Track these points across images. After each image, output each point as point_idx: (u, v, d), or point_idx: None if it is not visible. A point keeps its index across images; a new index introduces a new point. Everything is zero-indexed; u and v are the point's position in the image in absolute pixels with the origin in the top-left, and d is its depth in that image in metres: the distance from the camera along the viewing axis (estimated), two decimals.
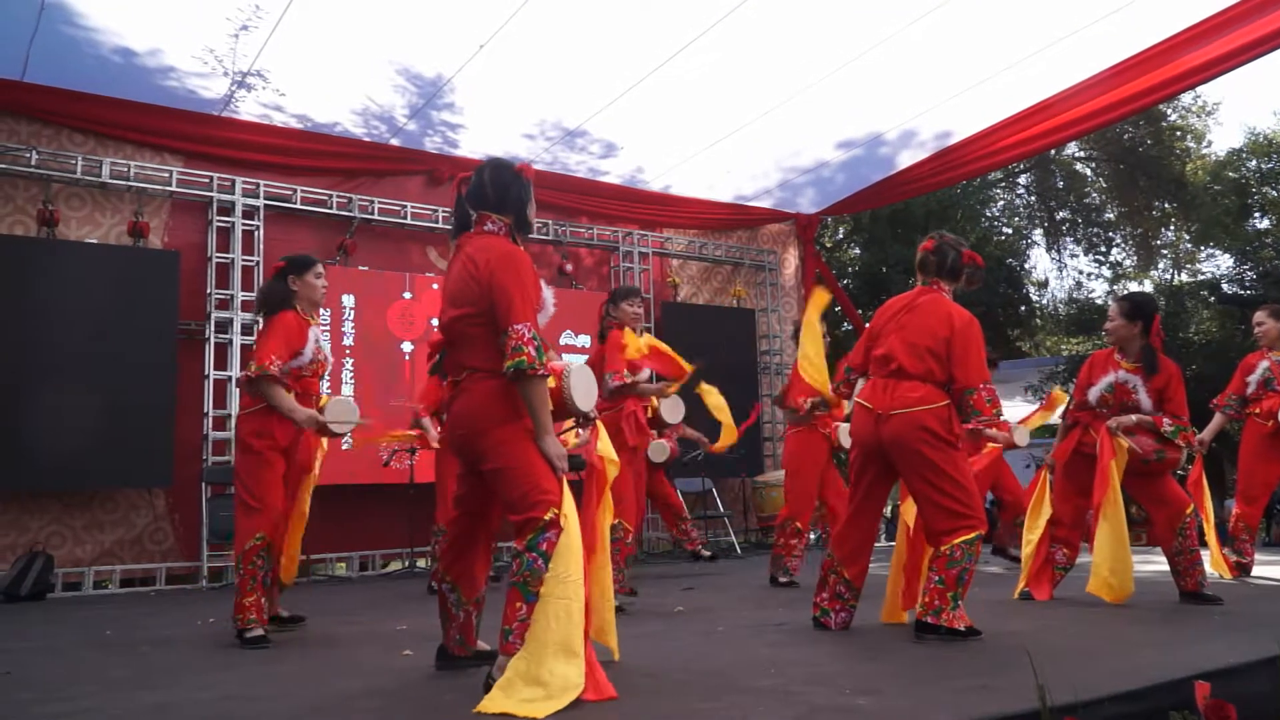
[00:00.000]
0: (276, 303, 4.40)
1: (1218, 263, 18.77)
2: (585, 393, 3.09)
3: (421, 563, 8.08)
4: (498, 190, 3.07)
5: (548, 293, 3.04)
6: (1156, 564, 6.85)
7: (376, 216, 8.82)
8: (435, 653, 3.23)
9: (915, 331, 3.80)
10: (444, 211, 9.10)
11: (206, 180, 8.07)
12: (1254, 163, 17.24)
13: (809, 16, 7.01)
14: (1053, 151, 17.27)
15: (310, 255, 4.59)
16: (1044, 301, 20.71)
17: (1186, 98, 17.54)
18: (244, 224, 8.15)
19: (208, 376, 7.81)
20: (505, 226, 3.04)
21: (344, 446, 7.73)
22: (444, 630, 3.21)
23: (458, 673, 3.09)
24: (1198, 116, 18.53)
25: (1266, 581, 5.37)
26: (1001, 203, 20.52)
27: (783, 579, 5.82)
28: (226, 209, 8.11)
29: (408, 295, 8.70)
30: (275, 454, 4.20)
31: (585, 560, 3.09)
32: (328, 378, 4.85)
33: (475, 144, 8.96)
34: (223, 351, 7.93)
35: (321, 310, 4.71)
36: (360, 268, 8.55)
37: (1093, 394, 4.67)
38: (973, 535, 3.59)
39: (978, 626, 3.55)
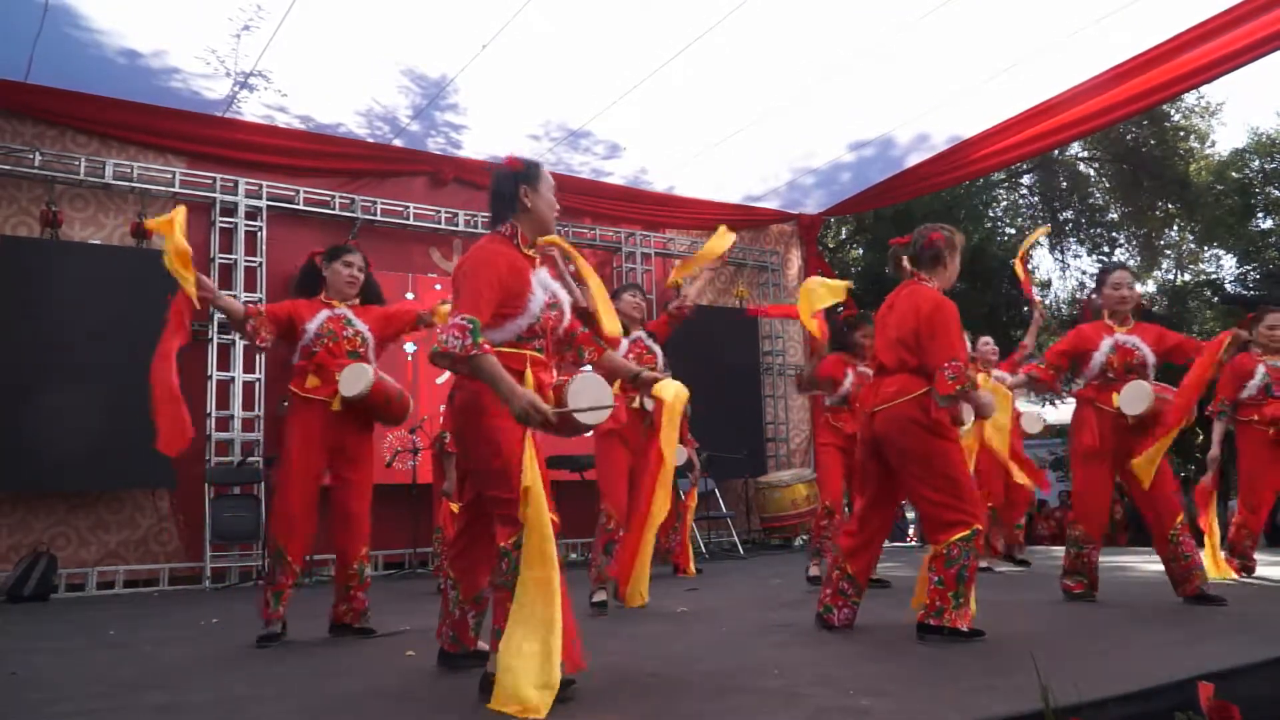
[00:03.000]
0: (295, 287, 4.54)
1: (1221, 263, 18.76)
2: (589, 402, 2.96)
3: (425, 564, 8.08)
4: (491, 193, 3.12)
5: (540, 287, 2.98)
6: (1158, 564, 6.83)
7: (379, 217, 8.83)
8: (438, 654, 3.24)
9: (892, 326, 3.84)
10: (447, 212, 9.12)
11: (210, 181, 8.09)
12: (1257, 163, 17.22)
13: (810, 17, 7.01)
14: (1056, 152, 17.24)
15: (349, 245, 4.56)
16: (1047, 302, 20.68)
17: (1190, 98, 17.47)
18: (247, 225, 8.16)
19: (210, 377, 7.82)
20: (507, 224, 3.06)
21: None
22: (438, 625, 3.22)
23: (460, 673, 3.09)
24: (1201, 116, 18.46)
25: (1270, 583, 5.36)
26: (1005, 203, 20.48)
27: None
28: (229, 210, 8.13)
29: (410, 296, 8.71)
30: (305, 448, 4.16)
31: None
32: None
33: (479, 145, 8.97)
34: (225, 352, 7.94)
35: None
36: None
37: (1096, 361, 4.66)
38: (968, 531, 3.58)
39: (981, 627, 3.54)
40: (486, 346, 2.72)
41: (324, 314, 4.32)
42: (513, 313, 2.91)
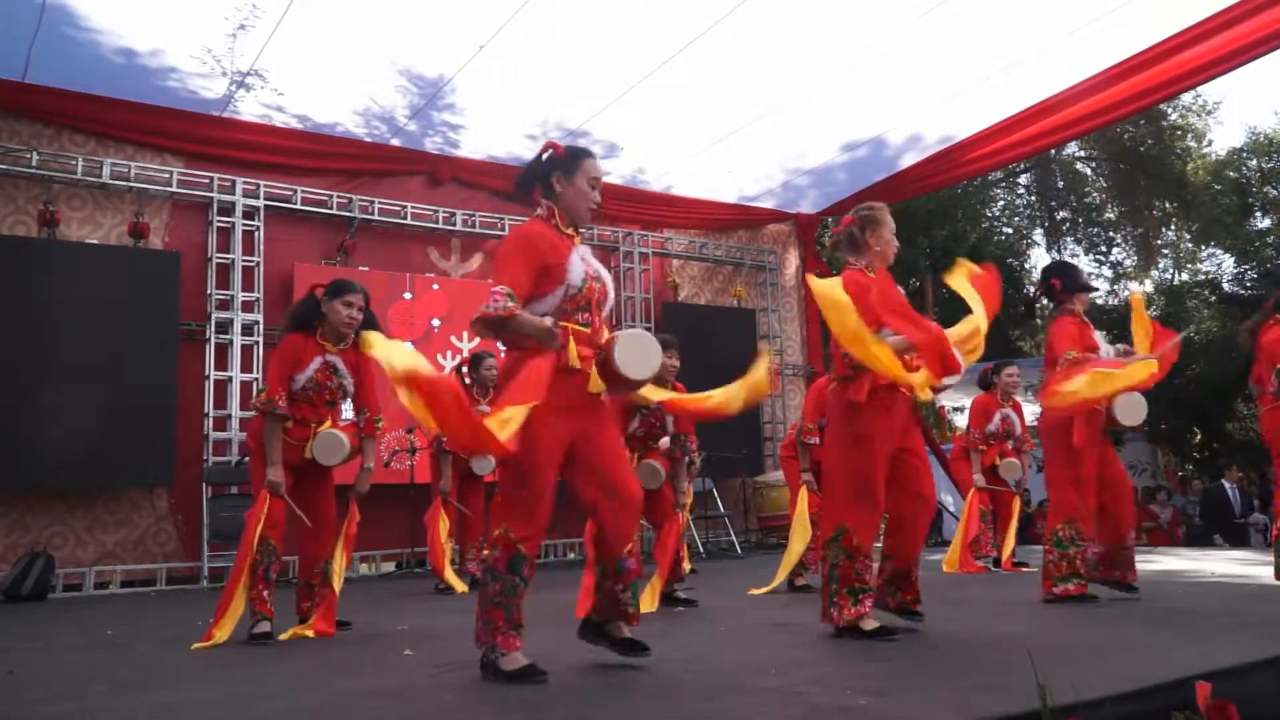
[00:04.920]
0: (291, 321, 4.42)
1: (1219, 262, 18.78)
2: (639, 359, 2.95)
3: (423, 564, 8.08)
4: (521, 170, 3.22)
5: (580, 260, 3.02)
6: (1156, 564, 6.85)
7: (377, 217, 8.82)
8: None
9: None
10: (444, 212, 9.11)
11: (207, 181, 8.08)
12: (1254, 162, 17.25)
13: (806, 19, 7.01)
14: (1053, 151, 17.27)
15: (352, 282, 4.38)
16: (1044, 301, 20.68)
17: (1187, 97, 17.52)
18: (244, 224, 8.16)
19: (208, 377, 7.82)
20: (544, 206, 3.13)
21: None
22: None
23: (459, 673, 3.09)
24: (1198, 116, 18.50)
25: (1268, 582, 5.36)
26: (1002, 202, 20.51)
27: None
28: (227, 209, 8.12)
29: (408, 296, 8.71)
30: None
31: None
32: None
33: (476, 144, 8.96)
34: (223, 352, 7.94)
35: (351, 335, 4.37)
36: (360, 268, 8.55)
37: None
38: (833, 533, 3.56)
39: (969, 626, 3.54)
40: (512, 305, 2.82)
41: (317, 362, 4.28)
42: (553, 285, 2.97)
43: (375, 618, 4.91)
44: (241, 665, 3.59)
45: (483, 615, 2.91)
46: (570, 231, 3.12)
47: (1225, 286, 17.56)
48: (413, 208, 8.98)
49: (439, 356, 8.74)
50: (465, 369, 6.45)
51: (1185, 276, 19.40)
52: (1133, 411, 4.50)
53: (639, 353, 2.98)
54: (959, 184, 15.57)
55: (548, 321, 2.86)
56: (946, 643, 3.45)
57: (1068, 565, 4.45)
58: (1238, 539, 10.52)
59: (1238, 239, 17.11)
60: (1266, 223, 17.30)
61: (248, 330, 8.00)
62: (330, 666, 3.49)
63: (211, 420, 7.79)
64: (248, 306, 8.05)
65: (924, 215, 16.55)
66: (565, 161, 3.11)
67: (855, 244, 3.81)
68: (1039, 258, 25.23)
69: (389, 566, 8.75)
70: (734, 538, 9.50)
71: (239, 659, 3.73)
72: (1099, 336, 4.65)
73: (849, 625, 3.51)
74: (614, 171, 9.80)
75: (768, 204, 11.04)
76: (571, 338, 2.95)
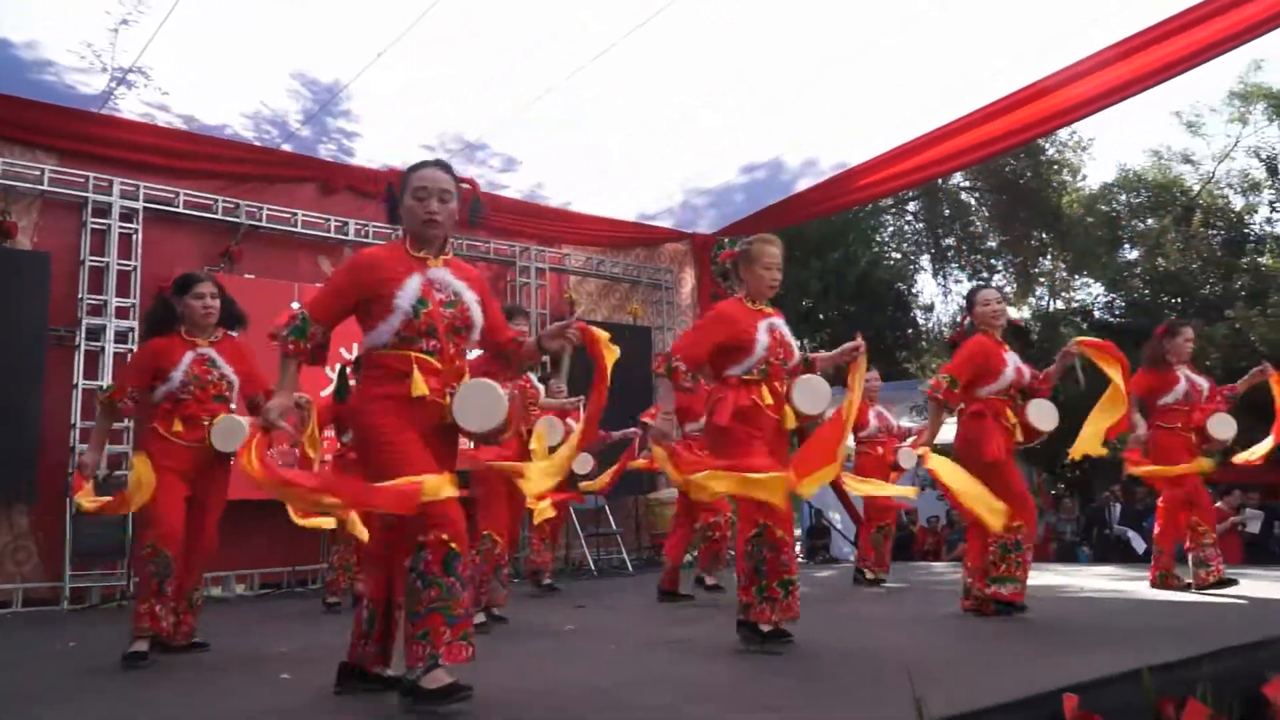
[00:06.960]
0: (149, 328, 4.29)
1: (1090, 291, 19.79)
2: (478, 411, 2.84)
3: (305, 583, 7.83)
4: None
5: (419, 284, 2.88)
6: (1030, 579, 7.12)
7: (265, 223, 8.53)
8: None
9: None
10: (337, 221, 8.87)
11: (82, 180, 7.69)
12: (1124, 197, 18.29)
13: (710, 38, 7.11)
14: (940, 180, 17.93)
15: (196, 274, 4.25)
16: (929, 325, 21.45)
17: (1063, 133, 18.45)
18: (121, 226, 7.78)
19: (77, 385, 7.41)
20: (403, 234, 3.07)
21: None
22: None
23: (341, 697, 2.98)
24: (1074, 151, 19.52)
25: (1131, 597, 5.63)
26: (891, 228, 21.20)
27: None
28: (103, 210, 7.74)
29: (296, 305, 8.44)
30: (170, 475, 4.05)
31: None
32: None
33: (371, 153, 8.77)
34: (94, 359, 7.54)
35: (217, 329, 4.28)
36: (246, 275, 8.25)
37: (1006, 378, 4.61)
38: (755, 529, 3.58)
39: (853, 641, 3.61)
40: (293, 347, 2.90)
41: (189, 357, 4.14)
42: (384, 312, 2.85)
43: (253, 640, 4.72)
44: (106, 690, 3.40)
45: (417, 629, 2.60)
46: (423, 254, 2.97)
47: (1096, 314, 18.50)
48: (304, 215, 8.72)
49: (327, 369, 8.50)
50: (350, 370, 6.34)
51: (1060, 304, 20.36)
52: (1045, 417, 4.70)
53: (478, 404, 2.84)
54: (851, 209, 16.00)
55: (279, 405, 2.90)
56: (829, 657, 3.51)
57: (1008, 567, 4.46)
58: (1114, 553, 11.03)
59: (1108, 269, 18.07)
60: (1134, 254, 18.33)
61: (122, 337, 7.62)
62: (202, 691, 3.33)
63: (79, 432, 7.37)
64: (122, 312, 7.68)
65: (817, 238, 16.98)
66: (402, 184, 3.02)
67: (728, 278, 4.05)
68: (924, 283, 26.05)
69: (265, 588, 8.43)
70: (625, 555, 9.49)
71: (102, 684, 3.53)
72: (1010, 359, 4.71)
73: (777, 624, 3.53)
74: (512, 185, 9.73)
75: (666, 223, 11.13)
76: (415, 366, 2.81)
